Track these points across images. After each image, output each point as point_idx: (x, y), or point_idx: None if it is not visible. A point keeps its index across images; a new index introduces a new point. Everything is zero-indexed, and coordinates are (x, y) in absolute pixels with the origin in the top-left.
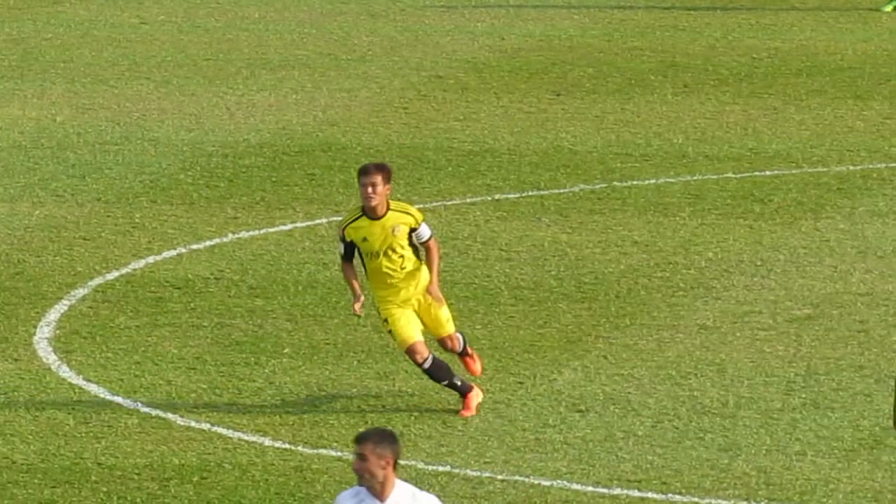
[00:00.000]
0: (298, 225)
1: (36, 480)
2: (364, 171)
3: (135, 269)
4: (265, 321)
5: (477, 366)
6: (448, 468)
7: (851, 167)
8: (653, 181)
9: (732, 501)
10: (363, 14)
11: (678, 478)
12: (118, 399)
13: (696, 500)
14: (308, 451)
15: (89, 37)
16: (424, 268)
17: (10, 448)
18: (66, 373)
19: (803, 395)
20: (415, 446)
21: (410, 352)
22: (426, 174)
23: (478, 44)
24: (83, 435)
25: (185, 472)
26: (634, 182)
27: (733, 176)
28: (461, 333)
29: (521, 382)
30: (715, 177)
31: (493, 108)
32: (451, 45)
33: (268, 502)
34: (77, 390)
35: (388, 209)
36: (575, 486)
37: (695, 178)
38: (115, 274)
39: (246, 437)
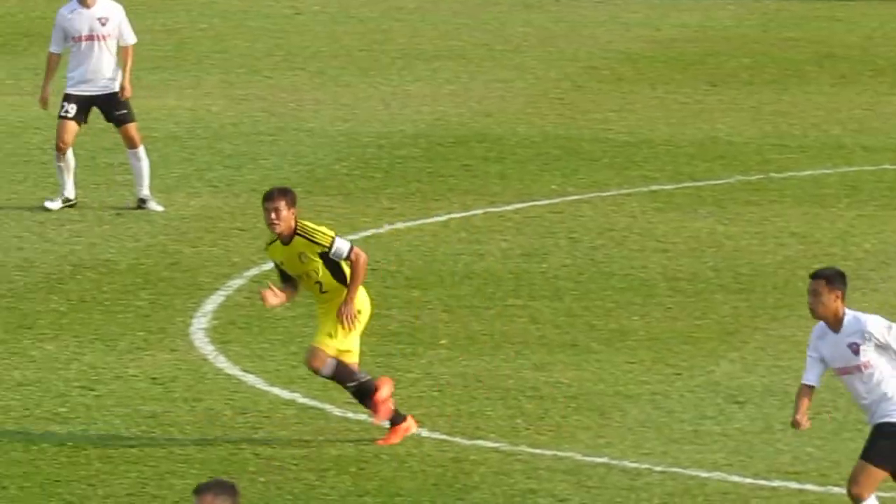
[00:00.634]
0: (454, 216)
1: (194, 471)
2: (267, 197)
3: None
4: (421, 312)
5: (379, 416)
6: (606, 459)
7: None
8: (810, 172)
9: (892, 493)
10: (518, 5)
11: (837, 469)
12: (275, 390)
13: None
14: (465, 442)
15: (244, 27)
16: (360, 295)
17: (168, 438)
18: (222, 363)
19: None
20: (573, 438)
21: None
22: (582, 165)
23: (633, 34)
24: (241, 425)
25: (342, 463)
26: (791, 173)
27: (890, 167)
28: (339, 370)
29: (678, 374)
30: (872, 168)
31: (649, 99)
32: (606, 35)
33: (425, 493)
34: (234, 381)
35: (294, 235)
36: (733, 478)
37: (852, 169)
38: (271, 264)
39: None
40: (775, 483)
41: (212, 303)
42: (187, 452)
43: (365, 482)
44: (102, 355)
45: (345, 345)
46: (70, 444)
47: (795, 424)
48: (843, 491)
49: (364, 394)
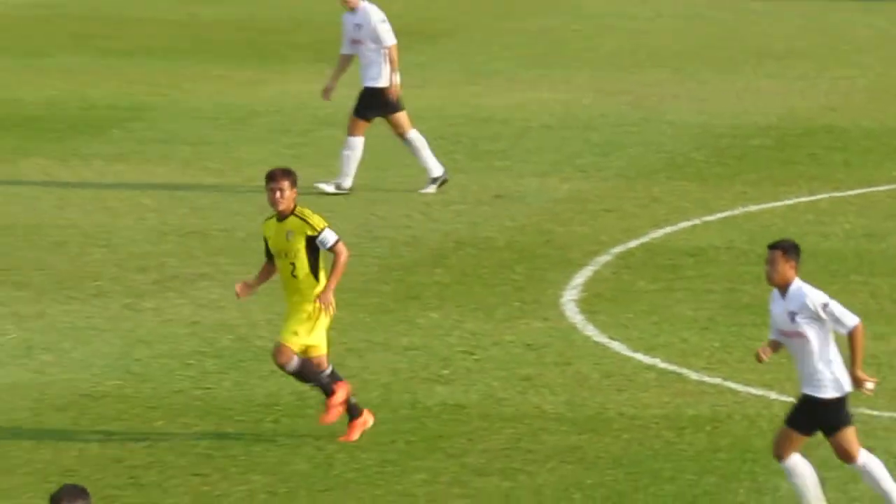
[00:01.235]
0: (801, 199)
1: (564, 428)
2: (271, 177)
3: (653, 239)
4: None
5: (328, 418)
6: None
7: None
8: None
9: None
10: (859, 9)
11: None
12: (638, 356)
13: None
14: None
15: (610, 28)
16: (323, 282)
17: (540, 398)
18: (590, 331)
19: None
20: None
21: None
22: None
23: None
24: (606, 388)
25: (698, 422)
26: None
27: None
28: (302, 367)
29: None
30: None
31: None
32: None
33: None
34: (601, 347)
35: (291, 214)
36: None
37: None
38: (635, 242)
39: (754, 392)
40: None
41: (581, 276)
42: (558, 411)
43: (718, 439)
44: (482, 323)
45: (310, 340)
46: (452, 403)
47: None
48: None
49: (308, 378)
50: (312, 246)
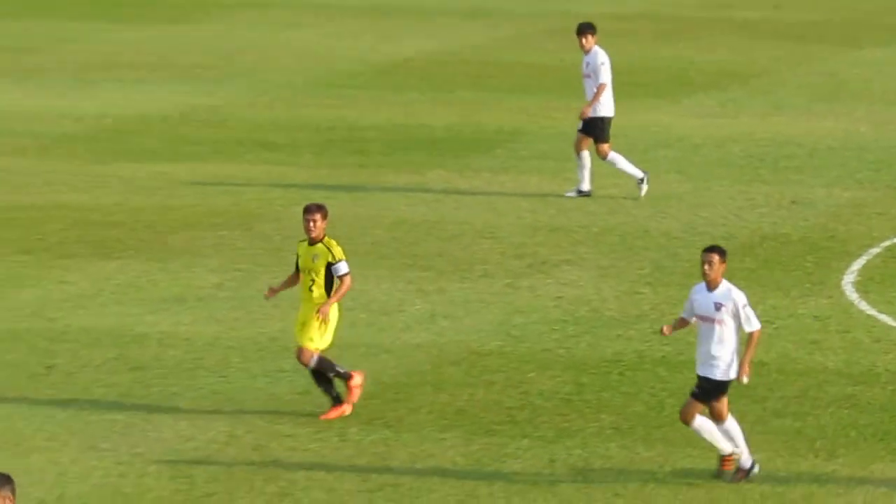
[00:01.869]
0: None
1: (842, 381)
2: (307, 210)
3: None
4: None
5: (330, 414)
6: None
7: None
8: None
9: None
10: None
11: None
12: None
13: None
14: None
15: (884, 72)
16: (334, 305)
17: (824, 358)
18: (864, 307)
19: None
20: None
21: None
22: None
23: None
24: (876, 350)
25: None
26: None
27: None
28: (321, 361)
29: None
30: None
31: None
32: None
33: None
34: (872, 319)
35: (319, 241)
36: None
37: None
38: None
39: None
40: None
41: (857, 264)
42: (838, 368)
43: None
44: (780, 300)
45: (322, 344)
46: (755, 361)
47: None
48: None
49: (327, 379)
50: (330, 270)
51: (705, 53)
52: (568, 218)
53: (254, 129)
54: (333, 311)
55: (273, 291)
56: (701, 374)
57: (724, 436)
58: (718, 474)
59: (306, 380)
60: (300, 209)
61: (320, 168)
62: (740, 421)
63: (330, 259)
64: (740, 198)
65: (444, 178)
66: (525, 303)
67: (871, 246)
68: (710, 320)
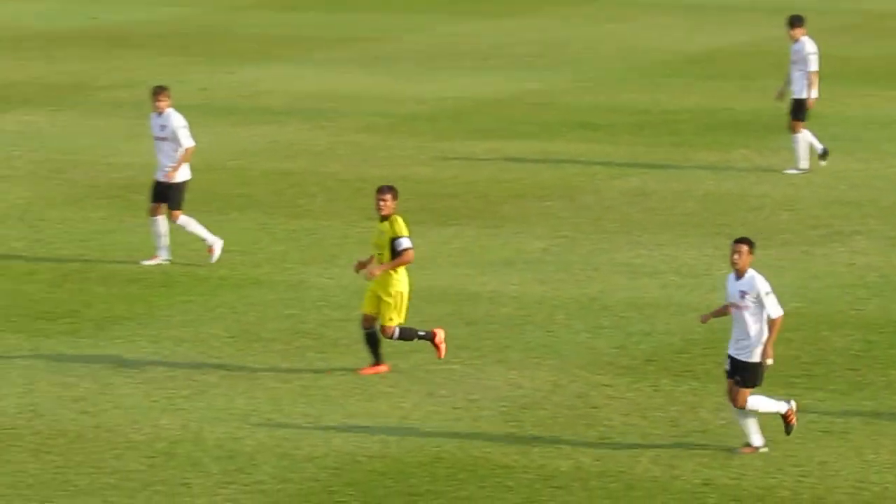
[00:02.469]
0: None
1: None
2: (379, 190)
3: None
4: None
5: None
6: None
7: None
8: None
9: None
10: None
11: None
12: None
13: None
14: None
15: None
16: (395, 276)
17: None
18: None
19: None
20: None
21: (362, 317)
22: None
23: None
24: None
25: None
26: None
27: None
28: (402, 332)
29: None
30: None
31: None
32: None
33: None
34: None
35: (386, 218)
36: None
37: None
38: None
39: None
40: None
41: None
42: None
43: None
44: None
45: (399, 320)
46: None
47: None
48: None
49: (375, 342)
50: (392, 243)
51: None
52: (858, 193)
53: (576, 112)
54: (388, 282)
55: (360, 265)
56: (732, 355)
57: (744, 416)
58: (789, 431)
59: (624, 335)
60: (619, 183)
61: (636, 146)
62: None
63: (392, 234)
64: None
65: (747, 157)
66: (820, 269)
67: None
68: (737, 307)
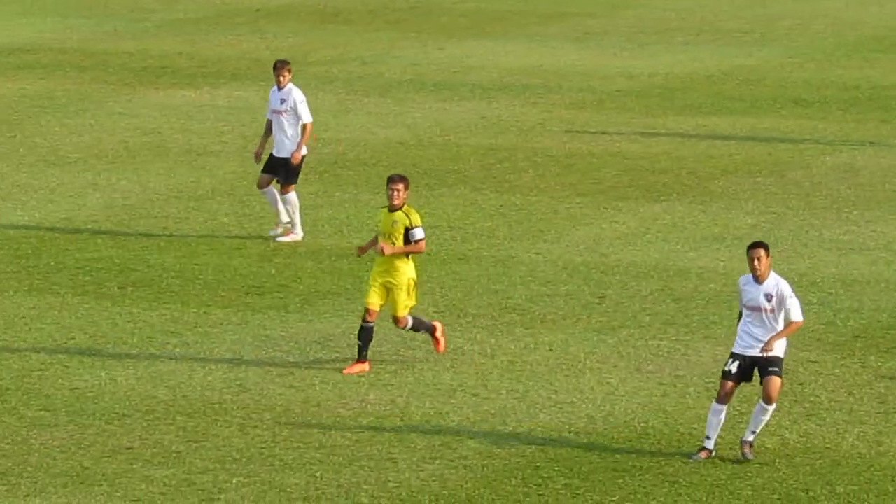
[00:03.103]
0: None
1: None
2: (392, 180)
3: None
4: None
5: (440, 348)
6: None
7: None
8: None
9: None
10: None
11: None
12: None
13: None
14: None
15: None
16: (406, 263)
17: None
18: None
19: None
20: None
21: (365, 311)
22: None
23: None
24: None
25: None
26: None
27: None
28: (415, 322)
29: None
30: None
31: None
32: None
33: None
34: None
35: (400, 209)
36: None
37: None
38: None
39: None
40: None
41: None
42: None
43: None
44: None
45: (407, 311)
46: None
47: None
48: None
49: (369, 338)
50: (407, 235)
51: None
52: None
53: (787, 87)
54: (401, 270)
55: (362, 250)
56: (749, 354)
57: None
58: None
59: (831, 311)
60: (829, 159)
61: (846, 123)
62: None
63: (408, 224)
64: None
65: None
66: None
67: None
68: (759, 310)
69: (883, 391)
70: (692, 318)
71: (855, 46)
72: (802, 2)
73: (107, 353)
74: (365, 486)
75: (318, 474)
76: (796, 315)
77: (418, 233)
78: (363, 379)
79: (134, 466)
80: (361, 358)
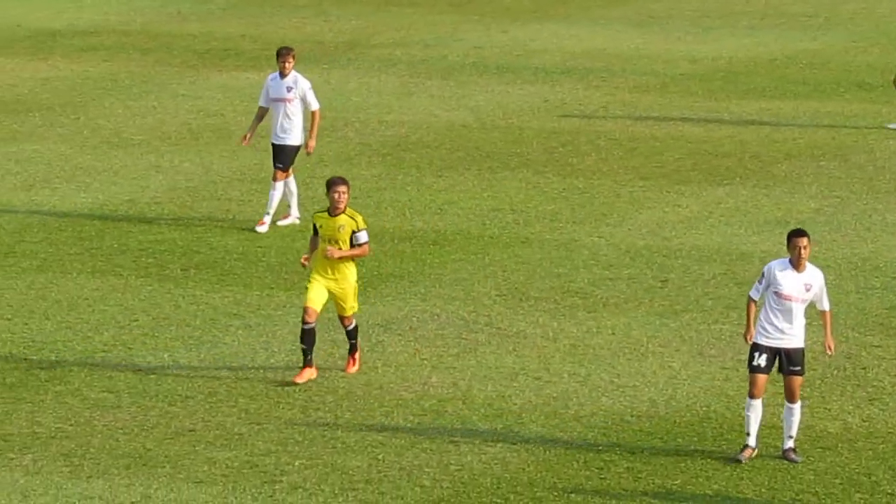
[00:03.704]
0: None
1: None
2: (334, 183)
3: None
4: None
5: (352, 368)
6: None
7: None
8: None
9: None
10: None
11: None
12: None
13: None
14: None
15: None
16: (353, 266)
17: None
18: None
19: None
20: None
21: (304, 311)
22: None
23: None
24: None
25: None
26: None
27: None
28: (353, 332)
29: None
30: None
31: None
32: None
33: None
34: None
35: (342, 212)
36: None
37: None
38: None
39: None
40: None
41: None
42: None
43: None
44: None
45: (356, 310)
46: None
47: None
48: None
49: (312, 341)
50: (352, 236)
51: None
52: None
53: (851, 71)
54: (348, 276)
55: (307, 259)
56: (777, 346)
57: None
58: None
59: (895, 295)
60: (893, 143)
61: None
62: None
63: (354, 228)
64: None
65: None
66: None
67: None
68: (795, 300)
69: None
70: None
71: None
72: None
73: (169, 335)
74: (426, 469)
75: (379, 456)
76: (828, 303)
77: (363, 236)
78: (425, 362)
79: (196, 448)
80: (308, 362)
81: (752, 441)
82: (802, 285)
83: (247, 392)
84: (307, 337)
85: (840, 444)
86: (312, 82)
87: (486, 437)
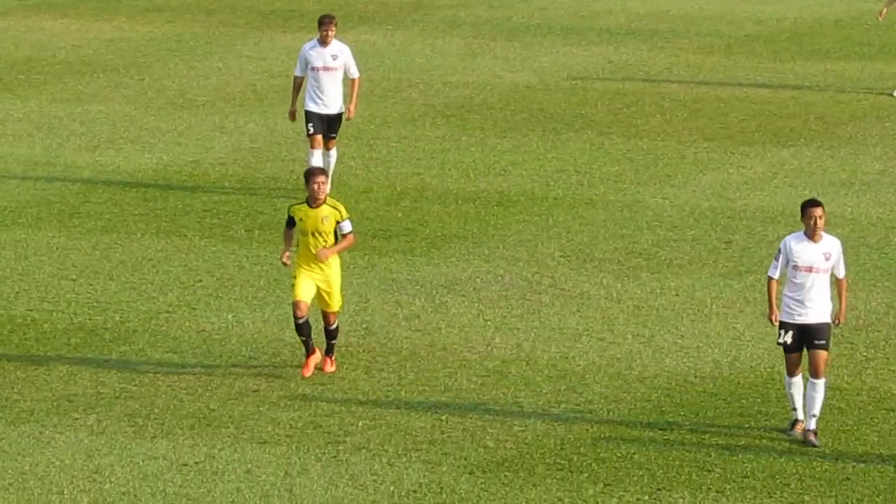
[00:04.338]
0: None
1: None
2: (312, 173)
3: None
4: None
5: (329, 368)
6: None
7: None
8: None
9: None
10: None
11: None
12: None
13: None
14: None
15: None
16: (338, 257)
17: None
18: None
19: None
20: None
21: (294, 305)
22: None
23: None
24: None
25: None
26: None
27: None
28: (334, 332)
29: None
30: None
31: None
32: None
33: None
34: None
35: (323, 202)
36: None
37: None
38: None
39: None
40: None
41: None
42: None
43: None
44: None
45: (339, 308)
46: None
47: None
48: None
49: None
50: (339, 228)
51: None
52: None
53: None
54: (336, 269)
55: (287, 256)
56: (804, 322)
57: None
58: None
59: None
60: None
61: None
62: None
63: (338, 218)
64: None
65: None
66: None
67: None
68: (816, 270)
69: None
70: None
71: None
72: None
73: (234, 296)
74: (490, 430)
75: (443, 417)
76: (844, 271)
77: (348, 225)
78: (489, 323)
79: (261, 409)
80: (310, 351)
81: (800, 415)
82: (821, 255)
83: None
84: (302, 329)
85: None
86: (377, 44)
87: (549, 398)
